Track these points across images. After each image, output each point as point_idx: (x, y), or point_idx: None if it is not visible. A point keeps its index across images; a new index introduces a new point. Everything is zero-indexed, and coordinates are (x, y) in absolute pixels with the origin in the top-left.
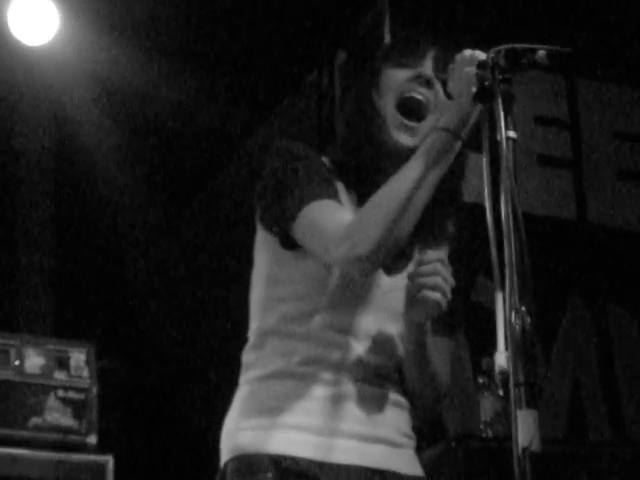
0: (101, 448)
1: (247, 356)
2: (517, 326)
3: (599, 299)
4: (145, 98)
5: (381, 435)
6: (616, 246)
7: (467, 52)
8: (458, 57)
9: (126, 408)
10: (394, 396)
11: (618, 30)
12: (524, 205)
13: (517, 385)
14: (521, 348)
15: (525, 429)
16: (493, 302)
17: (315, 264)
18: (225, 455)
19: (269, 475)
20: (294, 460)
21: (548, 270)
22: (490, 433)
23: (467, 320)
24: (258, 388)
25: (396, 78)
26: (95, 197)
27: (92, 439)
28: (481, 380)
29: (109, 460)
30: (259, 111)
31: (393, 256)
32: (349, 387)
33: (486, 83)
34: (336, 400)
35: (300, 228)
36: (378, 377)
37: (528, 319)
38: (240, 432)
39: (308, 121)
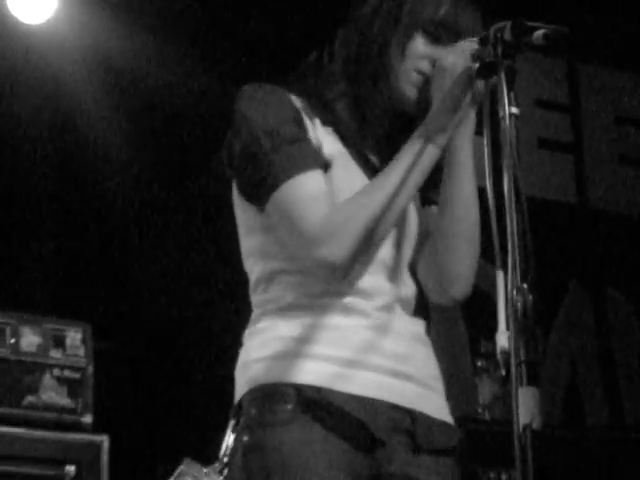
0: (96, 427)
1: (259, 296)
2: (519, 304)
3: (598, 283)
4: (145, 77)
5: (411, 373)
6: (616, 231)
7: (458, 45)
8: (444, 52)
9: (122, 388)
10: (417, 330)
11: (620, 14)
12: (524, 188)
13: (519, 363)
14: (523, 326)
15: (526, 407)
16: (490, 285)
17: None
18: (241, 389)
19: (289, 406)
20: (317, 390)
21: (548, 254)
22: (488, 416)
23: (464, 305)
24: (278, 318)
25: (426, 50)
26: (94, 178)
27: (87, 418)
28: (479, 363)
29: (104, 440)
30: None
31: None
32: (375, 318)
33: (487, 59)
34: (363, 331)
35: (273, 211)
36: (405, 307)
37: (530, 297)
38: (259, 362)
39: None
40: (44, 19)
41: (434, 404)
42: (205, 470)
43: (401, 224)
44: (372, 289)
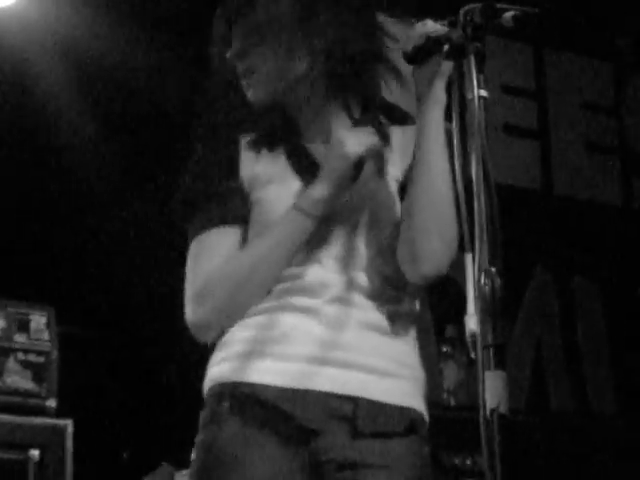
0: (61, 412)
1: None
2: (486, 287)
3: (563, 269)
4: (111, 59)
5: (355, 361)
6: (581, 217)
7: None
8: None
9: (86, 372)
10: (376, 317)
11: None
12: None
13: (485, 347)
14: (490, 309)
15: (493, 390)
16: (457, 270)
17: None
18: (204, 391)
19: (226, 404)
20: (250, 386)
21: (513, 240)
22: (453, 401)
23: (430, 290)
24: (238, 323)
25: None
26: (59, 160)
27: (52, 403)
28: (445, 349)
29: (69, 424)
30: None
31: None
32: (323, 312)
33: (456, 40)
34: (308, 326)
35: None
36: (369, 297)
37: (498, 280)
38: (214, 365)
39: None
40: (10, 2)
41: (384, 389)
42: (178, 473)
43: (357, 216)
44: (319, 285)
